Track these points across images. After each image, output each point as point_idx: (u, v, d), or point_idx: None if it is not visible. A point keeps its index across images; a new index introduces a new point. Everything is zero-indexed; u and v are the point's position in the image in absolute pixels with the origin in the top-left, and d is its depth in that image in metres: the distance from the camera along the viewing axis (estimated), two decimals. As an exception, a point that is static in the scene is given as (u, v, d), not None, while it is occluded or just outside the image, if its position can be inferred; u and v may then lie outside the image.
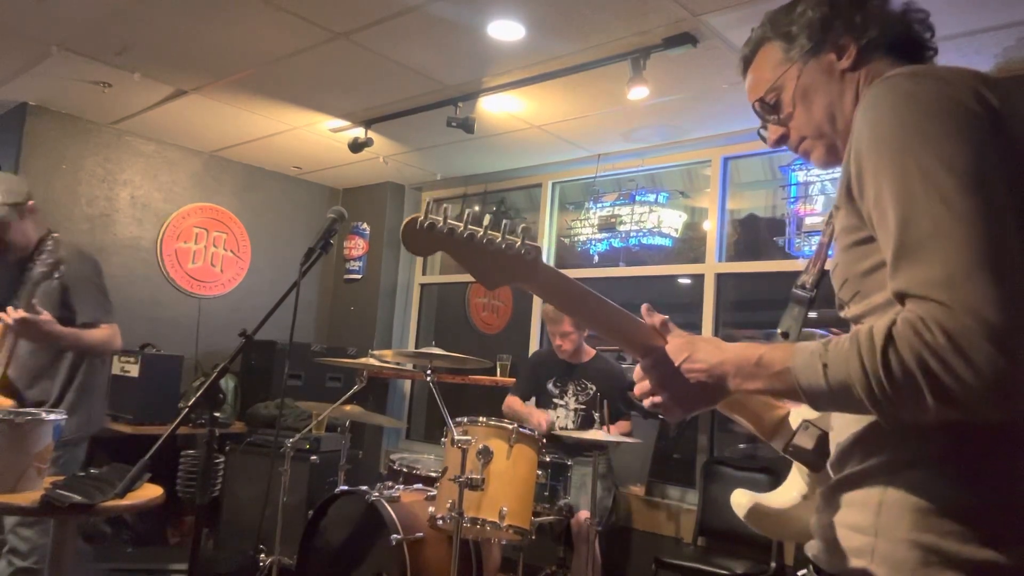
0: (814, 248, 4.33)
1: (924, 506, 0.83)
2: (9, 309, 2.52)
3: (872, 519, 0.87)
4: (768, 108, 1.12)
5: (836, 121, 1.05)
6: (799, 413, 1.11)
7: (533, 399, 3.91)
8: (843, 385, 0.80)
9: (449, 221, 0.90)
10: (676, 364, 0.96)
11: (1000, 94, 0.86)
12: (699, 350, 0.95)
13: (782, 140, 1.12)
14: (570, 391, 3.79)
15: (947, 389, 0.73)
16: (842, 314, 0.94)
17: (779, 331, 1.09)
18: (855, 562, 0.88)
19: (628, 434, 3.59)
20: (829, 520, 0.94)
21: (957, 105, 0.83)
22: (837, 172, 3.80)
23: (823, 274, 1.09)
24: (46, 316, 2.56)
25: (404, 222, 0.90)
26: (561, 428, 3.63)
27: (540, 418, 3.61)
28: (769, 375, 0.88)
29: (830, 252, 1.06)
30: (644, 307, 1.04)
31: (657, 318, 1.03)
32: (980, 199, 0.77)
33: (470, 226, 0.90)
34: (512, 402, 3.86)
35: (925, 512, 0.83)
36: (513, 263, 0.92)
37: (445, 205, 0.97)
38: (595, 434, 3.16)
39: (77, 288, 2.73)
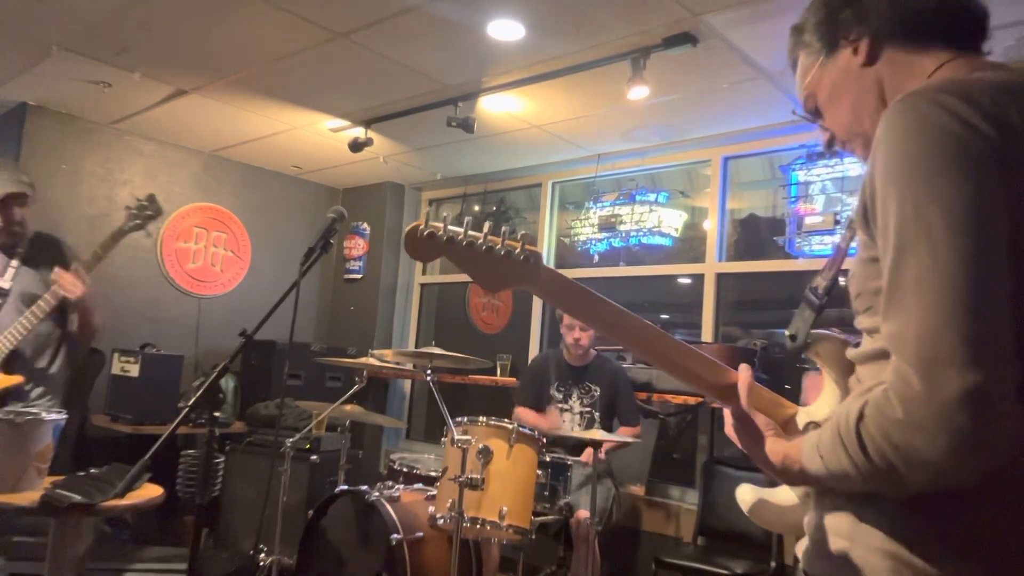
0: (815, 248, 4.25)
1: (898, 519, 0.86)
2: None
3: (850, 526, 0.90)
4: (811, 114, 1.13)
5: (863, 119, 1.04)
6: (807, 413, 1.10)
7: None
8: (842, 472, 0.84)
9: (449, 228, 0.92)
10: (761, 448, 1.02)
11: (1017, 111, 0.84)
12: (766, 454, 1.00)
13: (832, 142, 1.12)
14: (574, 395, 3.78)
15: (913, 460, 0.76)
16: (856, 323, 0.96)
17: (788, 333, 1.10)
18: (832, 566, 0.92)
19: (636, 436, 3.60)
20: (815, 521, 0.98)
21: (968, 133, 0.81)
22: (837, 172, 3.77)
23: (835, 281, 1.11)
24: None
25: (406, 231, 0.93)
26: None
27: (552, 422, 3.63)
28: (796, 472, 0.94)
29: (852, 250, 1.06)
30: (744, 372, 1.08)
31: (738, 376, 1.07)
32: (969, 243, 0.77)
33: (470, 233, 0.93)
34: (523, 414, 3.83)
35: (899, 524, 0.86)
36: (513, 267, 0.94)
37: (445, 214, 0.99)
38: (596, 434, 3.16)
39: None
